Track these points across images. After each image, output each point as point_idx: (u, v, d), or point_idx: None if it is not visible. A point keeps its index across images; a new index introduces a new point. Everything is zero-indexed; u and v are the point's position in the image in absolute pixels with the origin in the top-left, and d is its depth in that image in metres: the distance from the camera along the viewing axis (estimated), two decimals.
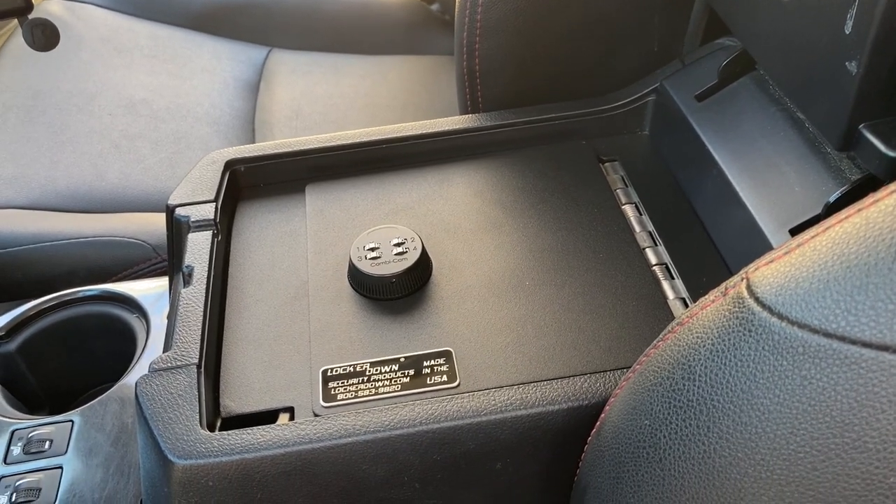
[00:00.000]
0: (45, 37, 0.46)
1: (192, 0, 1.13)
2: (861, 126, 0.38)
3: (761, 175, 0.47)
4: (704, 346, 0.31)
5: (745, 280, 0.30)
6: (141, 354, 0.61)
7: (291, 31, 1.15)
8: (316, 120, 1.00)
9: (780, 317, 0.28)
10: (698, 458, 0.30)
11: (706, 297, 0.33)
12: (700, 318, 0.32)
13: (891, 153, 0.36)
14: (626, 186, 0.57)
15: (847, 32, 0.36)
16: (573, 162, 0.58)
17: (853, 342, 0.26)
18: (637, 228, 0.53)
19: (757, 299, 0.29)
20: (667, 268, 0.50)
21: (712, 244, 0.51)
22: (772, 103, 0.50)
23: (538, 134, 0.60)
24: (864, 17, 0.35)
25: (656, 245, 0.52)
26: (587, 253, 0.51)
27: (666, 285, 0.49)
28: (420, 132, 0.59)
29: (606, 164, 0.59)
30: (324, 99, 1.05)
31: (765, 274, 0.30)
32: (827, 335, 0.27)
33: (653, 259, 0.51)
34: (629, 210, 0.55)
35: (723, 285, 0.32)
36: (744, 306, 0.29)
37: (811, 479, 0.27)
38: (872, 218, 0.27)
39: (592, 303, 0.48)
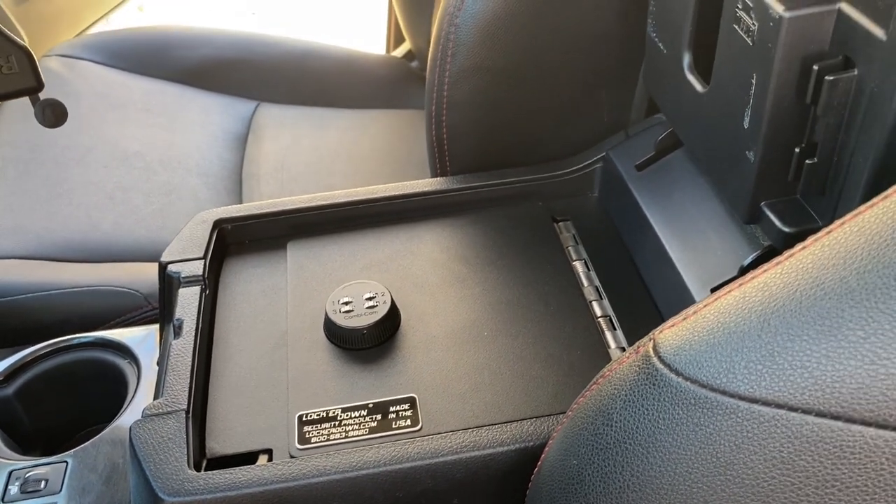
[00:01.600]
0: (54, 115, 0.52)
1: (184, 56, 1.20)
2: (762, 203, 0.44)
3: (689, 239, 0.53)
4: (620, 396, 0.36)
5: (651, 341, 0.36)
6: (132, 398, 0.65)
7: (278, 85, 1.21)
8: (301, 171, 1.06)
9: (677, 373, 0.34)
10: (615, 493, 0.36)
11: (625, 353, 0.38)
12: (618, 371, 0.38)
13: (785, 228, 0.42)
14: (577, 244, 0.63)
15: (745, 126, 0.43)
16: (530, 221, 0.64)
17: (732, 395, 0.32)
18: (585, 283, 0.59)
19: (660, 358, 0.35)
20: (610, 319, 0.56)
21: (650, 298, 0.57)
22: (698, 175, 0.56)
23: (499, 196, 0.66)
24: (756, 115, 0.41)
25: (601, 298, 0.58)
26: (540, 306, 0.57)
27: (609, 335, 0.55)
28: (392, 193, 0.65)
29: (560, 223, 0.65)
30: (309, 151, 1.11)
31: (667, 336, 0.35)
32: (712, 389, 0.32)
33: (598, 311, 0.57)
34: (579, 266, 0.60)
35: (636, 344, 0.37)
36: (650, 364, 0.35)
37: None
38: (748, 293, 0.33)
39: (543, 352, 0.53)
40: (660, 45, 0.53)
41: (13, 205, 0.89)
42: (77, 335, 0.70)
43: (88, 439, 0.62)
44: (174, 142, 1.06)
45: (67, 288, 0.79)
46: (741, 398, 0.31)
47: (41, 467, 0.60)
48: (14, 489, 0.58)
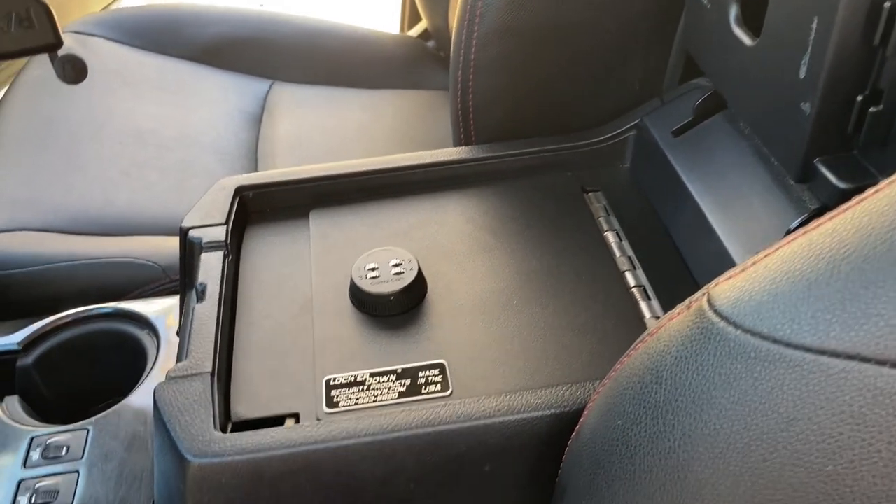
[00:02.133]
0: (74, 71, 0.50)
1: (199, 34, 1.18)
2: (816, 160, 0.42)
3: (731, 206, 0.52)
4: (670, 353, 0.35)
5: (706, 295, 0.34)
6: (151, 368, 0.64)
7: (293, 65, 1.20)
8: (316, 151, 1.05)
9: (736, 326, 0.32)
10: (665, 453, 0.34)
11: (673, 310, 0.37)
12: (667, 328, 0.36)
13: (841, 185, 0.41)
14: (608, 215, 0.61)
15: (802, 76, 0.41)
16: (559, 192, 0.63)
17: (797, 347, 0.30)
18: (617, 253, 0.57)
19: (716, 311, 0.33)
20: (644, 289, 0.54)
21: (686, 268, 0.55)
22: (741, 139, 0.54)
23: (527, 165, 0.64)
24: (815, 64, 0.39)
25: (635, 269, 0.56)
26: (571, 275, 0.55)
27: (643, 305, 0.53)
28: (417, 162, 0.64)
29: (590, 194, 0.63)
30: (323, 131, 1.09)
31: (723, 289, 0.34)
32: (775, 341, 0.31)
33: (631, 281, 0.55)
34: (610, 236, 0.59)
35: (687, 300, 0.36)
36: (704, 317, 0.33)
37: (762, 470, 0.31)
38: (815, 239, 0.31)
39: (575, 321, 0.52)
40: None
41: (30, 177, 0.87)
42: (96, 306, 0.69)
43: (110, 409, 0.61)
44: (188, 119, 1.04)
45: (85, 259, 0.78)
46: (807, 350, 0.29)
47: (62, 434, 0.59)
48: (35, 455, 0.57)
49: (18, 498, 0.54)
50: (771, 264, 0.32)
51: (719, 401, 0.32)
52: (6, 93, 1.04)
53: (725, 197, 0.53)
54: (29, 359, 0.65)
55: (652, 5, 0.61)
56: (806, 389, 0.30)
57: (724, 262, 0.50)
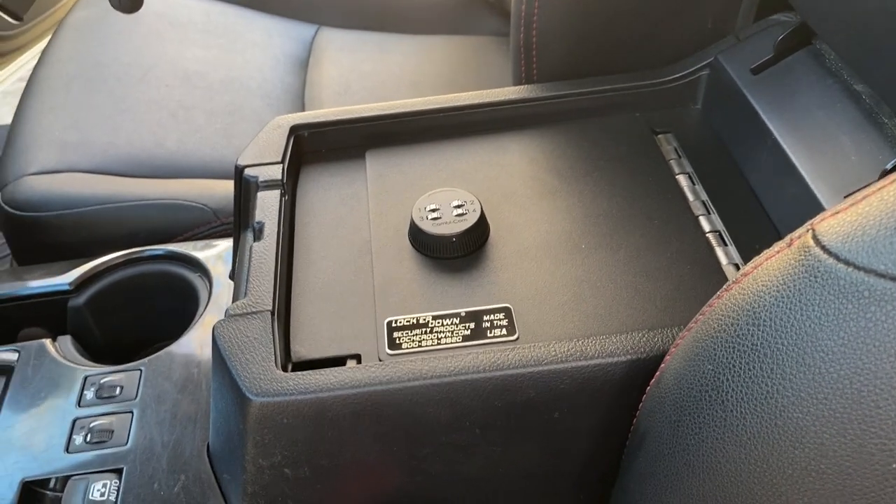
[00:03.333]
0: (130, 0, 0.48)
1: None
2: None
3: (817, 145, 0.48)
4: (769, 293, 0.32)
5: (810, 231, 0.32)
6: (204, 311, 0.63)
7: (339, 9, 1.17)
8: (363, 96, 1.02)
9: (847, 263, 0.29)
10: (761, 398, 0.32)
11: (770, 249, 0.34)
12: (765, 267, 0.33)
13: None
14: (680, 157, 0.58)
15: None
16: (627, 133, 0.60)
17: None
18: (691, 197, 0.54)
19: (823, 248, 0.30)
20: (720, 235, 0.51)
21: (765, 214, 0.52)
22: (828, 76, 0.50)
23: (592, 106, 0.61)
24: None
25: (709, 213, 0.53)
26: (642, 219, 0.53)
27: (720, 251, 0.50)
28: (476, 101, 0.61)
29: (660, 135, 0.60)
30: (371, 76, 1.07)
31: (831, 224, 0.31)
32: (893, 279, 0.28)
33: (706, 226, 0.52)
34: (682, 180, 0.56)
35: (787, 238, 0.33)
36: (810, 254, 0.31)
37: (874, 417, 0.28)
38: None
39: (648, 266, 0.49)
40: None
41: (78, 119, 0.87)
42: (147, 248, 0.68)
43: (162, 351, 0.61)
44: (235, 63, 1.03)
45: (134, 201, 0.77)
46: None
47: (116, 374, 0.58)
48: (90, 394, 0.57)
49: (73, 436, 0.53)
50: (888, 196, 0.29)
51: (826, 343, 0.30)
52: (52, 36, 1.03)
53: (811, 137, 0.49)
54: (80, 299, 0.65)
55: None
56: None
57: (810, 206, 0.47)
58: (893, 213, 0.29)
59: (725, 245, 0.51)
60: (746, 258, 0.50)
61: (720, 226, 0.52)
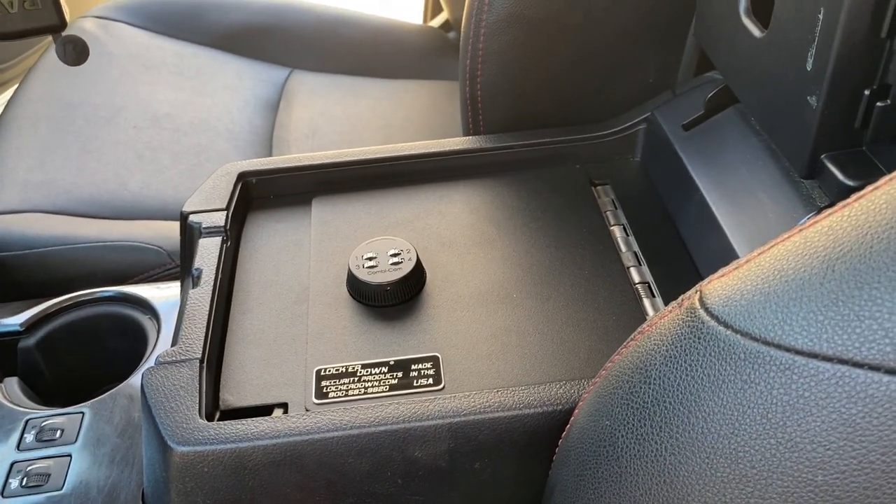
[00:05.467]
0: (75, 52, 0.50)
1: (218, 21, 1.18)
2: (823, 156, 0.40)
3: (739, 201, 0.50)
4: (660, 352, 0.33)
5: (698, 292, 0.33)
6: (150, 353, 0.64)
7: (312, 53, 1.19)
8: (332, 139, 1.04)
9: (726, 325, 0.31)
10: (652, 456, 0.33)
11: (666, 307, 0.35)
12: (658, 326, 0.35)
13: (848, 182, 0.39)
14: (616, 209, 0.59)
15: (808, 69, 0.39)
16: (566, 184, 0.61)
17: (787, 349, 0.28)
18: (623, 248, 0.56)
19: (707, 310, 0.32)
20: (649, 286, 0.53)
21: (693, 265, 0.54)
22: (752, 134, 0.52)
23: (534, 157, 0.63)
24: (822, 55, 0.38)
25: (640, 265, 0.54)
26: (574, 269, 0.54)
27: (647, 302, 0.52)
28: (421, 151, 0.63)
29: (598, 187, 0.61)
30: (340, 119, 1.09)
31: (715, 287, 0.32)
32: (765, 343, 0.29)
33: (636, 277, 0.53)
34: (617, 231, 0.57)
35: (680, 298, 0.34)
36: (695, 316, 0.32)
37: (750, 477, 0.29)
38: (810, 237, 0.30)
39: (575, 316, 0.50)
40: None
41: (44, 160, 0.88)
42: (99, 289, 0.69)
43: (106, 393, 0.61)
44: (205, 105, 1.04)
45: (93, 242, 0.78)
46: (798, 353, 0.28)
47: (57, 417, 0.58)
48: (30, 437, 0.57)
49: (10, 480, 0.54)
50: (764, 262, 0.31)
51: (707, 403, 0.31)
52: (25, 76, 1.05)
53: (734, 192, 0.51)
54: (31, 340, 0.66)
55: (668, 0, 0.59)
56: (796, 394, 0.28)
57: (729, 260, 0.48)
58: (767, 278, 0.30)
59: (653, 296, 0.52)
60: None
61: (649, 277, 0.53)
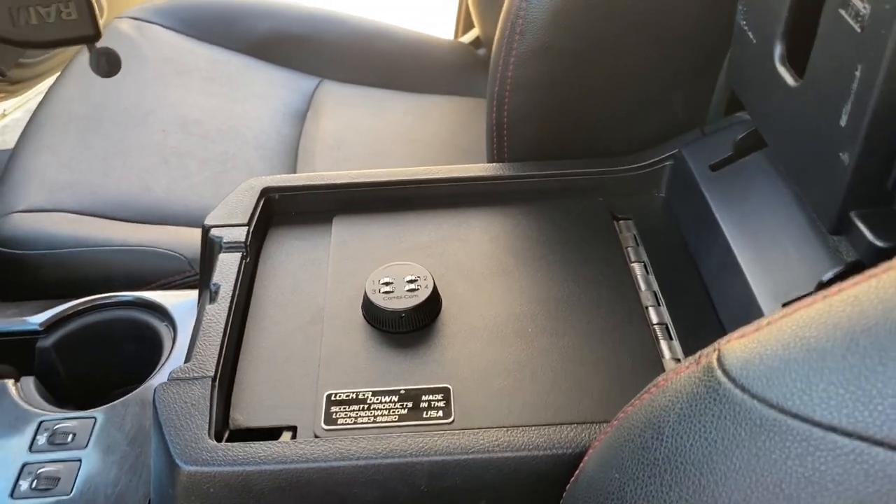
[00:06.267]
0: (108, 64, 0.50)
1: (252, 27, 1.19)
2: (852, 213, 0.40)
3: (763, 249, 0.49)
4: (674, 409, 0.33)
5: (717, 351, 0.32)
6: (165, 361, 0.64)
7: (343, 64, 1.20)
8: (357, 151, 1.04)
9: (743, 389, 0.30)
10: None
11: (683, 362, 0.35)
12: (674, 382, 0.34)
13: (877, 242, 0.38)
14: (637, 245, 0.59)
15: (842, 124, 0.38)
16: (588, 217, 0.61)
17: (805, 420, 0.28)
18: (643, 287, 0.55)
19: (724, 371, 0.31)
20: (666, 328, 0.52)
21: (713, 308, 0.53)
22: (780, 181, 0.52)
23: (557, 187, 0.63)
24: (857, 112, 0.37)
25: (659, 305, 0.54)
26: (590, 306, 0.53)
27: (664, 345, 0.51)
28: (444, 176, 0.63)
29: (621, 221, 0.61)
30: (367, 132, 1.09)
31: (734, 347, 0.32)
32: (783, 411, 0.28)
33: (654, 318, 0.53)
34: (637, 268, 0.57)
35: (697, 354, 0.34)
36: (712, 376, 0.31)
37: None
38: (835, 306, 0.29)
39: (590, 355, 0.50)
40: (749, 34, 0.49)
41: (72, 160, 0.89)
42: (117, 293, 0.69)
43: (119, 399, 0.61)
44: (234, 112, 1.05)
45: (114, 246, 0.79)
46: (816, 424, 0.27)
47: (70, 421, 0.59)
48: (42, 440, 0.58)
49: (20, 482, 0.54)
50: (786, 327, 0.30)
51: (720, 467, 0.30)
52: (60, 73, 1.06)
53: (758, 240, 0.50)
54: (49, 340, 0.66)
55: (699, 34, 0.59)
56: (811, 467, 0.27)
57: (750, 308, 0.48)
58: (788, 344, 0.30)
59: (670, 339, 0.51)
60: (689, 352, 0.50)
61: (667, 318, 0.53)
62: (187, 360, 0.49)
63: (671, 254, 0.58)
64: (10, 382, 0.62)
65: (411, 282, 0.53)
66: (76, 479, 0.54)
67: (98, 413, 0.60)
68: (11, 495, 0.54)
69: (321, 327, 0.53)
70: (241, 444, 0.43)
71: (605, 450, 0.37)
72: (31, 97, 1.63)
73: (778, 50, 0.46)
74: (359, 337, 0.52)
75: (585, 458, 0.39)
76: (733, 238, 0.51)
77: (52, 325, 0.67)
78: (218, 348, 0.48)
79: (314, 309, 0.54)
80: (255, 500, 0.42)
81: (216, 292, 0.53)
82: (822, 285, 0.44)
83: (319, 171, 0.99)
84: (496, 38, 0.63)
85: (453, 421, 0.46)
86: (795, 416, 0.28)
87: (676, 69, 0.61)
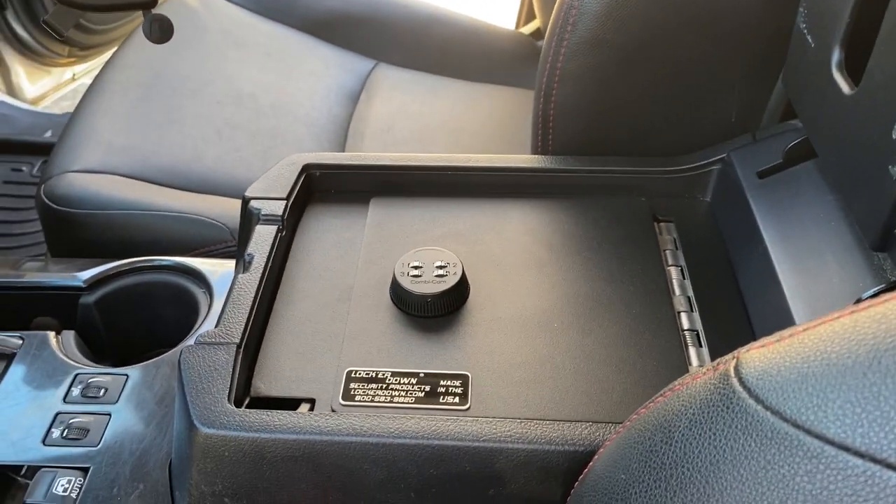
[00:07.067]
0: (160, 31, 0.52)
1: (314, 6, 1.21)
2: None
3: (803, 261, 0.48)
4: (686, 414, 0.32)
5: (735, 359, 0.31)
6: (199, 326, 0.66)
7: (400, 48, 1.20)
8: (405, 136, 1.05)
9: (757, 400, 0.29)
10: None
11: (701, 368, 0.34)
12: (690, 387, 0.33)
13: None
14: (676, 249, 0.57)
15: (894, 137, 0.37)
16: (628, 216, 0.60)
17: (818, 437, 0.27)
18: (677, 291, 0.54)
19: (741, 379, 0.30)
20: (697, 335, 0.51)
21: (747, 319, 0.52)
22: (828, 192, 0.50)
23: (599, 184, 0.62)
24: None
25: (691, 311, 0.52)
26: (621, 306, 0.53)
27: (692, 351, 0.50)
28: (484, 164, 0.62)
29: (661, 223, 0.60)
30: (417, 117, 1.09)
31: (753, 357, 0.31)
32: (796, 425, 0.28)
33: (685, 324, 0.52)
34: (673, 272, 0.55)
35: (716, 360, 0.33)
36: (727, 384, 0.31)
37: None
38: (861, 322, 0.28)
39: (614, 355, 0.49)
40: (808, 37, 0.47)
41: (129, 125, 0.92)
42: (159, 258, 0.71)
43: (154, 359, 0.63)
44: (288, 89, 1.07)
45: (161, 211, 0.81)
46: (829, 442, 0.26)
47: (104, 376, 0.61)
48: (76, 391, 0.60)
49: (52, 429, 0.56)
50: (808, 340, 0.29)
51: (726, 476, 0.29)
52: (124, 41, 1.09)
53: (800, 251, 0.48)
54: (91, 297, 0.68)
55: (757, 36, 0.57)
56: (821, 485, 0.26)
57: (785, 320, 0.46)
58: (808, 358, 0.29)
59: (700, 346, 0.50)
60: None
61: (699, 325, 0.51)
62: (217, 325, 0.50)
63: (710, 260, 0.56)
64: (52, 335, 0.65)
65: (440, 267, 0.53)
66: (104, 431, 0.56)
67: (131, 371, 0.61)
68: (44, 441, 0.56)
69: (348, 305, 0.53)
70: (258, 411, 0.44)
71: (614, 450, 0.36)
72: (101, 65, 1.68)
73: (836, 55, 0.44)
74: (384, 318, 0.52)
75: (596, 456, 0.38)
76: (774, 248, 0.50)
77: (95, 283, 0.70)
78: (246, 317, 0.49)
79: (343, 287, 0.55)
80: (268, 466, 0.43)
81: (250, 262, 0.54)
82: (861, 302, 0.43)
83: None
84: (549, 28, 0.62)
85: (469, 408, 0.46)
86: (808, 431, 0.27)
87: (731, 71, 0.59)
